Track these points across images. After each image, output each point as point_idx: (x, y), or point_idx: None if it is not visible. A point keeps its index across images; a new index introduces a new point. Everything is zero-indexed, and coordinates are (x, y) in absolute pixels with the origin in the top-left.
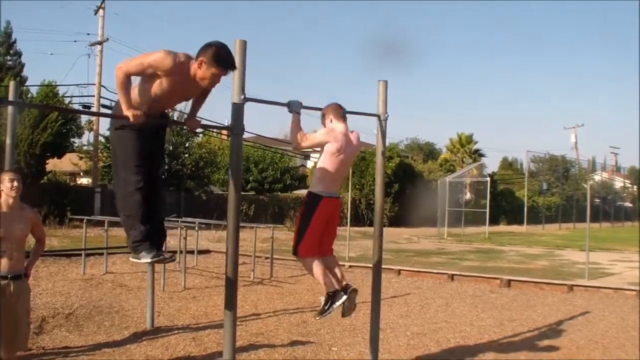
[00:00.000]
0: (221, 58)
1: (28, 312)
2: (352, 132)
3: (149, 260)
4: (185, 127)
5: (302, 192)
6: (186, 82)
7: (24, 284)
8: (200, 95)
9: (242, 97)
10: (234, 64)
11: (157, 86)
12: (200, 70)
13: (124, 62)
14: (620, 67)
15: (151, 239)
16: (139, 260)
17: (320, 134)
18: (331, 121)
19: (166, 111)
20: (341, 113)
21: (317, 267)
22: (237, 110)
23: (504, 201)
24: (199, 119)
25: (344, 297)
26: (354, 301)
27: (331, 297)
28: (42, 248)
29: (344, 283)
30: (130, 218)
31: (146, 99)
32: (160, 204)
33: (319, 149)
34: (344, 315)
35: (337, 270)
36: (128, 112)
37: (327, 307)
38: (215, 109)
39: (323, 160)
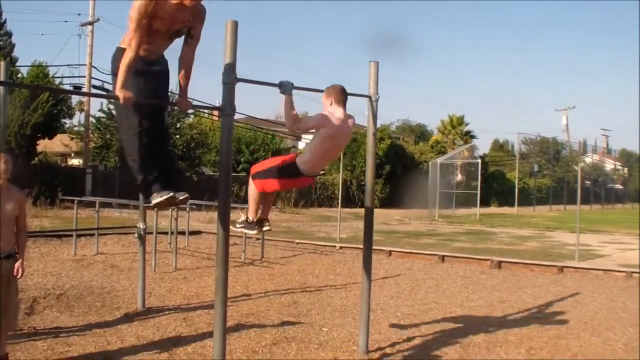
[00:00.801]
0: None
1: (17, 291)
2: (349, 117)
3: (159, 200)
4: (176, 107)
5: None
6: (172, 9)
7: (14, 263)
8: (187, 51)
9: (233, 77)
10: None
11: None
12: None
13: (128, 45)
14: (612, 49)
15: (161, 181)
16: (150, 204)
17: (315, 119)
18: (331, 104)
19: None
20: (343, 98)
21: (255, 199)
22: (228, 91)
23: (495, 183)
24: (190, 100)
25: (254, 231)
26: (260, 232)
27: (247, 223)
28: (25, 239)
29: (263, 217)
30: (135, 162)
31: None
32: (167, 147)
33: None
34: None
35: (267, 203)
36: (119, 93)
37: (238, 227)
38: (206, 90)
39: (315, 143)
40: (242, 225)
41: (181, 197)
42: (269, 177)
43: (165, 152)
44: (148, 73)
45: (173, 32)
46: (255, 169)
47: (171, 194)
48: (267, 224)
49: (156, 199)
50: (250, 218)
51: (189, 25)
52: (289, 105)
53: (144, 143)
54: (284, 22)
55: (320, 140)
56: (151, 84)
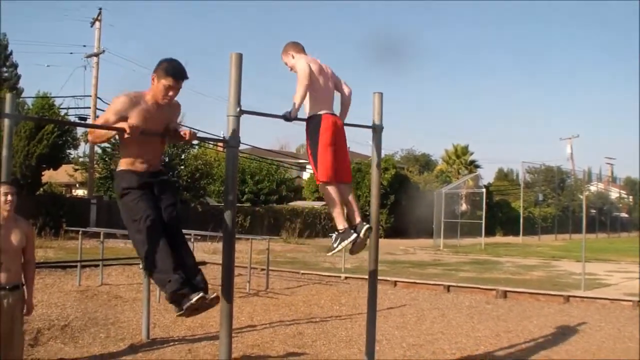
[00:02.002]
0: (170, 68)
1: (22, 322)
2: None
3: (189, 304)
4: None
5: (298, 204)
6: (150, 108)
7: (20, 295)
8: (169, 124)
9: (238, 109)
10: (182, 72)
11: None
12: (154, 86)
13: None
14: (616, 77)
15: (186, 281)
16: (181, 312)
17: (299, 64)
18: (293, 57)
19: (162, 168)
20: (300, 47)
21: (333, 201)
22: (233, 123)
23: (500, 212)
24: (194, 131)
25: (353, 236)
26: (364, 240)
27: (341, 235)
28: (34, 271)
29: (357, 220)
30: (153, 266)
31: (129, 152)
32: (182, 239)
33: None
34: (351, 252)
35: (352, 201)
36: (123, 125)
37: (335, 244)
38: (212, 120)
39: (304, 85)
40: (337, 242)
41: (212, 297)
42: (317, 159)
43: (182, 244)
44: (153, 184)
45: (162, 133)
46: (314, 172)
47: (200, 294)
48: (364, 224)
49: (185, 303)
50: (341, 227)
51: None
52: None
53: (154, 237)
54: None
55: (305, 79)
56: (157, 191)
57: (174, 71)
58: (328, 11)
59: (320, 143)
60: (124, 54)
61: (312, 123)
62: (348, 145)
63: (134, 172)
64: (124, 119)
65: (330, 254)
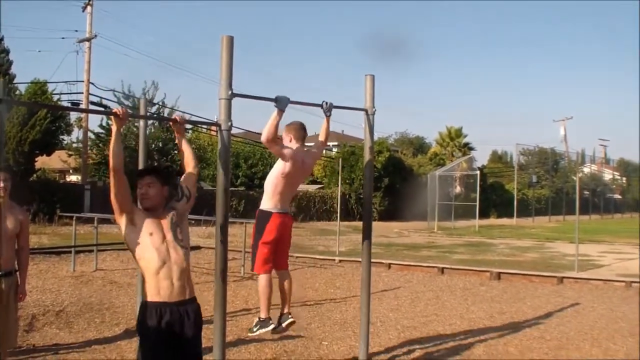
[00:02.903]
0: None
1: (16, 308)
2: (309, 150)
3: None
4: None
5: None
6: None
7: (14, 281)
8: None
9: (230, 92)
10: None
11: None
12: None
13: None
14: (610, 58)
15: None
16: None
17: (286, 151)
18: (290, 140)
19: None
20: (302, 134)
21: (263, 291)
22: (225, 106)
23: (494, 194)
24: (183, 117)
25: (271, 327)
26: (285, 330)
27: (261, 322)
28: (27, 258)
29: (285, 310)
30: None
31: None
32: None
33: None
34: (273, 332)
35: (286, 290)
36: (115, 110)
37: (255, 329)
38: (205, 104)
39: (274, 180)
40: (257, 327)
41: None
42: (256, 252)
43: None
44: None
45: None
46: (252, 265)
47: None
48: (289, 316)
49: None
50: (263, 316)
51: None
52: (275, 121)
53: None
54: (279, 33)
55: (278, 175)
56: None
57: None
58: None
59: (262, 240)
60: (115, 38)
61: (261, 217)
62: (342, 129)
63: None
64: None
65: (249, 335)
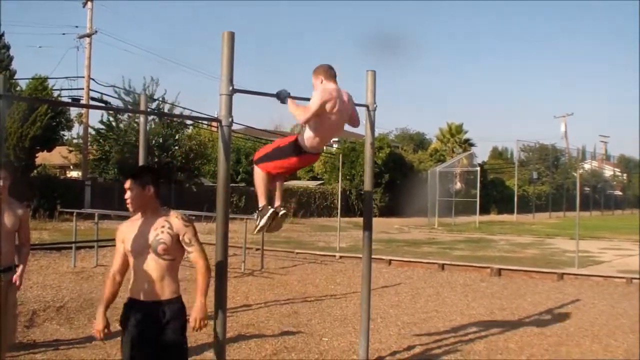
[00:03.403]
0: None
1: (15, 304)
2: (344, 92)
3: None
4: (175, 119)
5: (293, 184)
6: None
7: (13, 276)
8: None
9: (230, 88)
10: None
11: None
12: None
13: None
14: (610, 55)
15: None
16: None
17: (317, 96)
18: (322, 82)
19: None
20: (332, 73)
21: (261, 182)
22: (225, 102)
23: (495, 190)
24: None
25: (271, 211)
26: (280, 221)
27: (260, 212)
28: (28, 253)
29: (277, 204)
30: None
31: None
32: None
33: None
34: (269, 231)
35: (278, 190)
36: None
37: (257, 221)
38: (206, 99)
39: (317, 120)
40: (259, 219)
41: None
42: (272, 160)
43: None
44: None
45: None
46: (257, 154)
47: None
48: (282, 209)
49: None
50: (261, 204)
51: None
52: (293, 104)
53: None
54: (278, 30)
55: (322, 116)
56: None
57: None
58: None
59: (283, 158)
60: (116, 34)
61: (294, 147)
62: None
63: None
64: None
65: (255, 231)
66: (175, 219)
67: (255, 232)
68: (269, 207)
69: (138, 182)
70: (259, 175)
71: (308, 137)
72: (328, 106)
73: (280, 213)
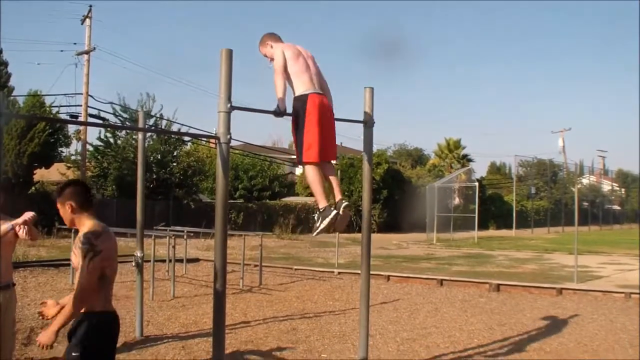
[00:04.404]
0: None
1: (13, 322)
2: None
3: None
4: (173, 136)
5: (291, 200)
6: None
7: (12, 294)
8: None
9: (229, 105)
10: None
11: None
12: None
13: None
14: (608, 69)
15: None
16: None
17: (275, 52)
18: (271, 47)
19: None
20: (277, 36)
21: (316, 180)
22: (224, 119)
23: (493, 206)
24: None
25: (334, 213)
26: (346, 216)
27: (322, 213)
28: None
29: (338, 197)
30: None
31: None
32: None
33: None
34: (335, 230)
35: (334, 179)
36: None
37: (318, 223)
38: (204, 116)
39: (291, 70)
40: (320, 220)
41: None
42: (302, 139)
43: None
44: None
45: None
46: (297, 156)
47: None
48: (343, 201)
49: None
50: (322, 205)
51: None
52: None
53: None
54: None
55: (290, 64)
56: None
57: None
58: (318, 6)
59: (307, 123)
60: (114, 51)
61: (298, 104)
62: (340, 141)
63: None
64: None
65: (315, 233)
66: (78, 239)
67: (315, 234)
68: (332, 208)
69: (60, 199)
70: (310, 172)
71: (296, 86)
72: (288, 53)
73: (344, 205)
